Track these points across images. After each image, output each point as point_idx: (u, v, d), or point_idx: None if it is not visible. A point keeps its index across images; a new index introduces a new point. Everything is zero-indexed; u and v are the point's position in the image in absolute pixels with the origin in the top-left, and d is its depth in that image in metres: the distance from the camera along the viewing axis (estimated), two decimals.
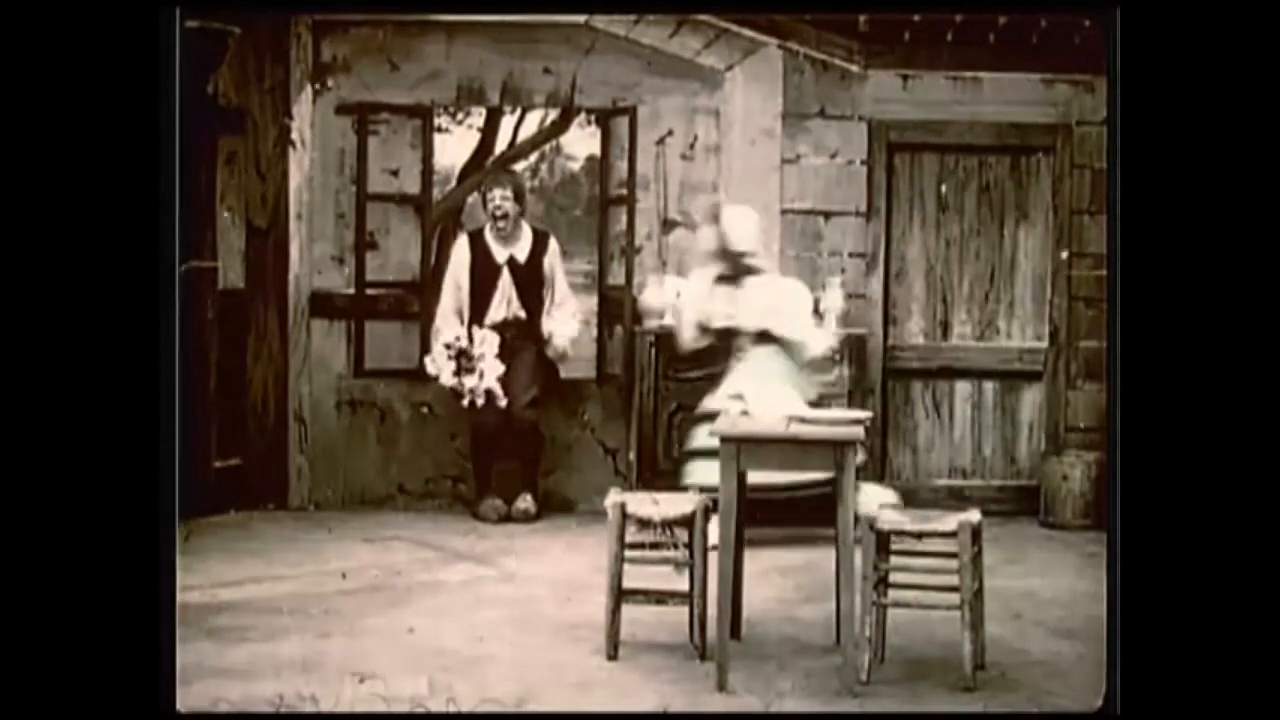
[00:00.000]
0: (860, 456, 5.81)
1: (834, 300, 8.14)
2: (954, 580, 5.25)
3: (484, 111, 13.16)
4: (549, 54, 8.54)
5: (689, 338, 7.48)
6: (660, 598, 5.63)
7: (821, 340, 7.51)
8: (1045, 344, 8.46)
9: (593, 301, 9.10)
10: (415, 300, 8.67)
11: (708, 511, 5.58)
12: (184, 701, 4.55)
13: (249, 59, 8.17)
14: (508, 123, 13.78)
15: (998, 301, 8.49)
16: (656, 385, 7.92)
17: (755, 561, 6.38)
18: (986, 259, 8.49)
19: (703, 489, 7.39)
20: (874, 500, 6.12)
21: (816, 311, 8.18)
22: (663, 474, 7.75)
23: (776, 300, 7.39)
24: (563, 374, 8.52)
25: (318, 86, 8.38)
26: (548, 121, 13.26)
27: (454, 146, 14.12)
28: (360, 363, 8.58)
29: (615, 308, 8.69)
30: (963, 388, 8.50)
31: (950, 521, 5.33)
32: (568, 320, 8.25)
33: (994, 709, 4.98)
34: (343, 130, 8.51)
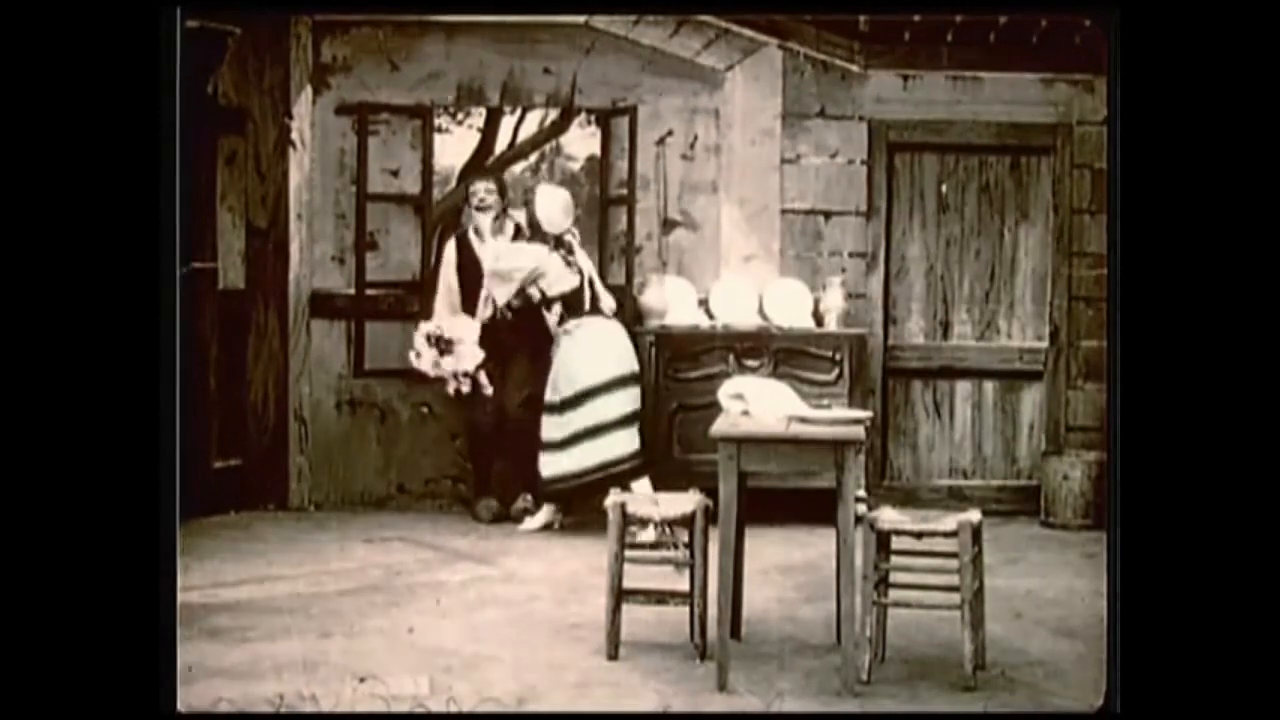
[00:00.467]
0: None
1: (834, 300, 8.14)
2: (954, 580, 5.25)
3: (484, 111, 13.14)
4: (549, 54, 8.54)
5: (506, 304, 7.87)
6: (660, 598, 5.63)
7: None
8: (1045, 344, 8.46)
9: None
10: (415, 300, 8.66)
11: (708, 511, 5.58)
12: (184, 701, 4.55)
13: (249, 59, 8.17)
14: (508, 123, 13.76)
15: (998, 301, 8.50)
16: (657, 384, 7.92)
17: (755, 561, 6.39)
18: (986, 259, 8.49)
19: (564, 479, 7.70)
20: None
21: (817, 311, 8.21)
22: (663, 473, 7.74)
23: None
24: None
25: (320, 88, 8.40)
26: (548, 121, 13.25)
27: (454, 146, 14.11)
28: (360, 363, 8.58)
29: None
30: (963, 388, 8.51)
31: (950, 521, 5.33)
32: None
33: (994, 709, 4.98)
34: (343, 130, 8.51)
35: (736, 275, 8.37)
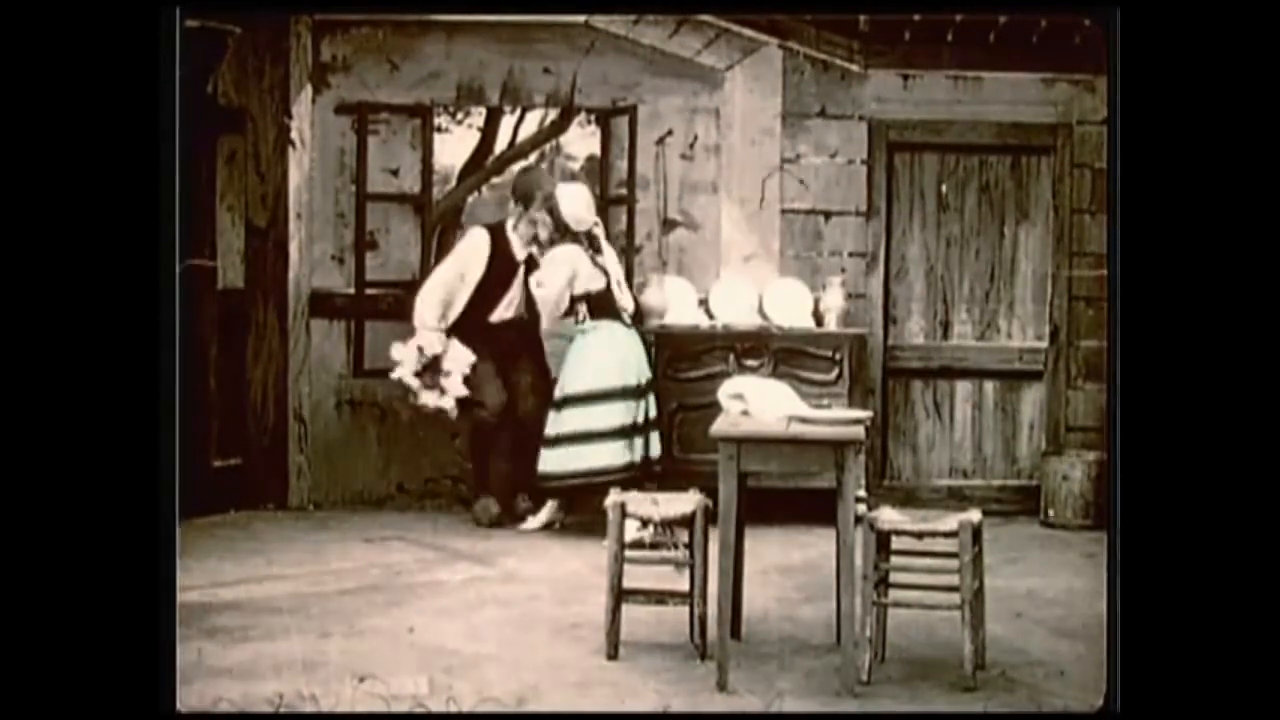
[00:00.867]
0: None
1: (834, 300, 8.14)
2: (954, 580, 5.25)
3: (484, 111, 13.15)
4: (549, 54, 8.54)
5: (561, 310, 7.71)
6: (660, 598, 5.63)
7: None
8: (1045, 344, 8.46)
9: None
10: (415, 299, 8.67)
11: (708, 511, 5.58)
12: (184, 701, 4.55)
13: (249, 59, 8.17)
14: (508, 123, 13.77)
15: (998, 301, 8.50)
16: (657, 384, 7.91)
17: (755, 561, 6.39)
18: (986, 259, 8.49)
19: (549, 477, 7.65)
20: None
21: (817, 311, 8.20)
22: (663, 473, 7.74)
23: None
24: None
25: (320, 87, 8.39)
26: (548, 121, 13.26)
27: (454, 146, 14.11)
28: (360, 362, 8.58)
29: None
30: (963, 388, 8.50)
31: (950, 521, 5.33)
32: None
33: (994, 709, 4.98)
34: (343, 130, 8.51)
35: (736, 275, 8.37)
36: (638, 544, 5.96)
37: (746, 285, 8.30)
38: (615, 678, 5.25)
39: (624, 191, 8.69)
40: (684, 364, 7.97)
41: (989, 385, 8.51)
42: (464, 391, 7.77)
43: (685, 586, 5.64)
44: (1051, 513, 8.13)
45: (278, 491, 8.38)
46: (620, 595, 5.51)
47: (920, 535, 5.38)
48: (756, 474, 5.54)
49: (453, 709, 4.79)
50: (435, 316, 7.87)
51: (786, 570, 6.90)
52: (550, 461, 7.58)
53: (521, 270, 7.99)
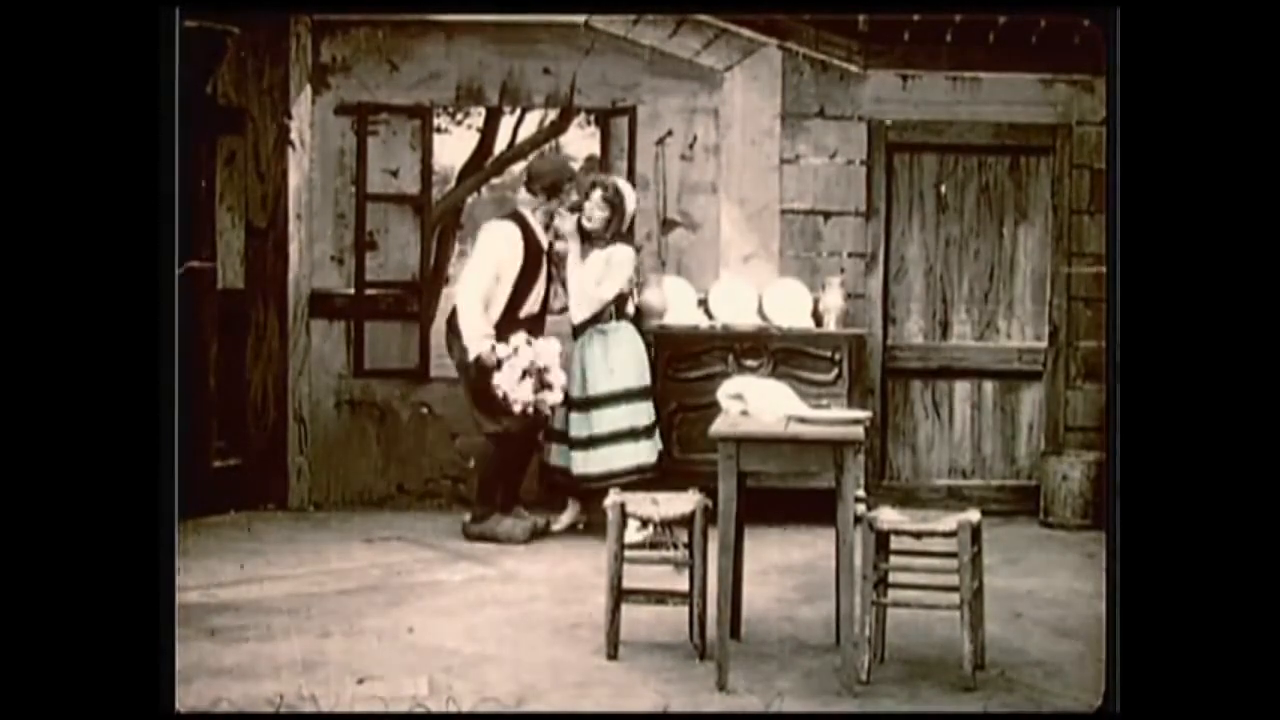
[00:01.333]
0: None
1: (833, 300, 8.14)
2: (954, 580, 5.25)
3: (483, 111, 13.16)
4: (549, 54, 8.54)
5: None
6: (660, 598, 5.63)
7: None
8: (1045, 344, 8.47)
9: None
10: (415, 300, 8.67)
11: (708, 511, 5.58)
12: (184, 701, 4.55)
13: (249, 59, 8.17)
14: (507, 123, 13.79)
15: (997, 301, 8.50)
16: (656, 384, 7.90)
17: (755, 561, 6.39)
18: (986, 259, 8.49)
19: (551, 468, 7.61)
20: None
21: (816, 311, 8.20)
22: (663, 473, 7.73)
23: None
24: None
25: (319, 88, 8.38)
26: (547, 121, 13.28)
27: (454, 147, 14.13)
28: (360, 363, 8.58)
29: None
30: (962, 388, 8.51)
31: (950, 521, 5.33)
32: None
33: (994, 709, 4.98)
34: (342, 130, 8.51)
35: (736, 275, 8.37)
36: (638, 544, 5.96)
37: (746, 285, 8.30)
38: (615, 678, 5.25)
39: None
40: (683, 364, 7.96)
41: (988, 385, 8.51)
42: (565, 378, 7.41)
43: (685, 586, 5.64)
44: (1051, 513, 8.13)
45: (278, 492, 8.38)
46: (620, 595, 5.51)
47: (919, 535, 5.38)
48: (756, 474, 5.54)
49: (453, 709, 4.79)
50: (484, 322, 7.46)
51: (786, 570, 6.90)
52: (589, 463, 7.50)
53: (545, 262, 7.72)
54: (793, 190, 8.41)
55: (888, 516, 5.44)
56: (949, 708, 5.00)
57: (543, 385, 7.39)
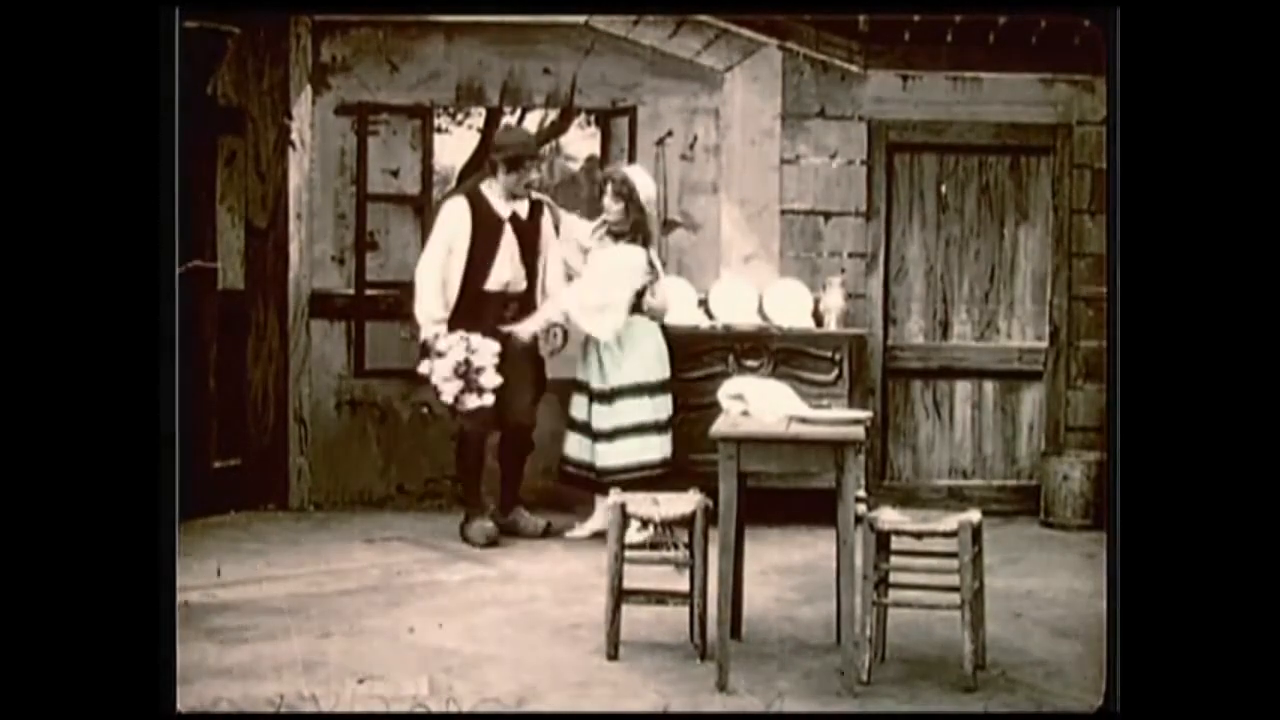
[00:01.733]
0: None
1: (834, 300, 8.14)
2: (954, 580, 5.25)
3: (484, 112, 13.15)
4: (549, 54, 8.54)
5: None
6: (660, 598, 5.63)
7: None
8: (1045, 344, 8.46)
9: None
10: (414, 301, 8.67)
11: (708, 511, 5.58)
12: (184, 701, 4.55)
13: (249, 59, 8.17)
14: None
15: (998, 301, 8.50)
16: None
17: (755, 561, 6.39)
18: (986, 259, 8.49)
19: (570, 461, 7.53)
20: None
21: (816, 312, 8.20)
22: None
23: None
24: (562, 374, 8.32)
25: (320, 88, 8.37)
26: (547, 122, 13.26)
27: (454, 147, 14.11)
28: (360, 363, 8.58)
29: None
30: (963, 388, 8.50)
31: (950, 521, 5.33)
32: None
33: (994, 709, 4.98)
34: (343, 130, 8.51)
35: (736, 275, 8.37)
36: (638, 545, 5.96)
37: (746, 286, 8.30)
38: (615, 678, 5.25)
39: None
40: (684, 364, 7.95)
41: (989, 385, 8.51)
42: (499, 380, 7.34)
43: (685, 586, 5.64)
44: (1051, 513, 8.13)
45: (278, 492, 8.38)
46: (620, 595, 5.51)
47: (920, 535, 5.38)
48: (756, 474, 5.54)
49: (453, 709, 4.79)
50: (439, 305, 7.48)
51: (786, 570, 6.90)
52: (610, 455, 7.43)
53: (509, 231, 7.61)
54: (793, 190, 8.41)
55: (888, 516, 5.44)
56: (949, 708, 5.00)
57: (470, 387, 7.35)
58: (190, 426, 6.20)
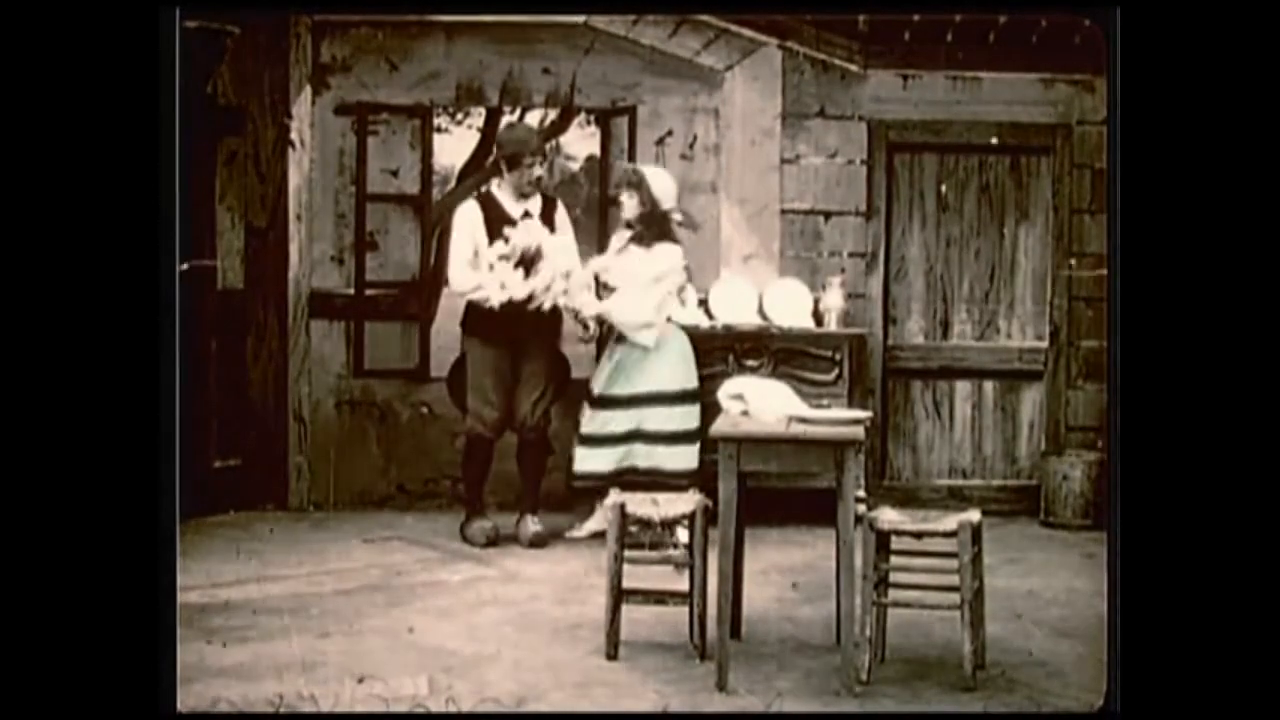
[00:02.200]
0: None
1: (834, 300, 8.14)
2: (954, 580, 5.25)
3: (484, 112, 13.17)
4: (548, 54, 8.54)
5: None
6: (660, 598, 5.63)
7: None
8: (1045, 344, 8.46)
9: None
10: (415, 300, 8.67)
11: (708, 511, 5.58)
12: (184, 701, 4.55)
13: (249, 59, 8.17)
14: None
15: (998, 301, 8.50)
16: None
17: (755, 561, 6.39)
18: (986, 259, 8.49)
19: (582, 476, 7.37)
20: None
21: (816, 311, 8.20)
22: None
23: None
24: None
25: (319, 88, 8.37)
26: (547, 122, 13.27)
27: (453, 146, 14.13)
28: (360, 363, 8.57)
29: None
30: (963, 388, 8.50)
31: (950, 521, 5.33)
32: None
33: (994, 709, 4.98)
34: (342, 130, 8.51)
35: (736, 275, 8.36)
36: (638, 544, 5.95)
37: (746, 285, 8.30)
38: (615, 678, 5.25)
39: None
40: None
41: (989, 385, 8.51)
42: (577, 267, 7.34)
43: (685, 586, 5.64)
44: (1051, 513, 8.13)
45: (277, 492, 8.38)
46: (620, 595, 5.51)
47: (920, 535, 5.38)
48: (756, 474, 5.53)
49: (452, 709, 4.79)
50: (475, 277, 7.41)
51: (786, 570, 6.90)
52: (632, 459, 7.32)
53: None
54: (793, 190, 8.41)
55: (888, 516, 5.44)
56: (949, 708, 5.00)
57: (529, 272, 7.30)
58: (190, 426, 6.19)
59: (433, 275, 8.91)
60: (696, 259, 8.57)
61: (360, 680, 5.04)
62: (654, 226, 7.43)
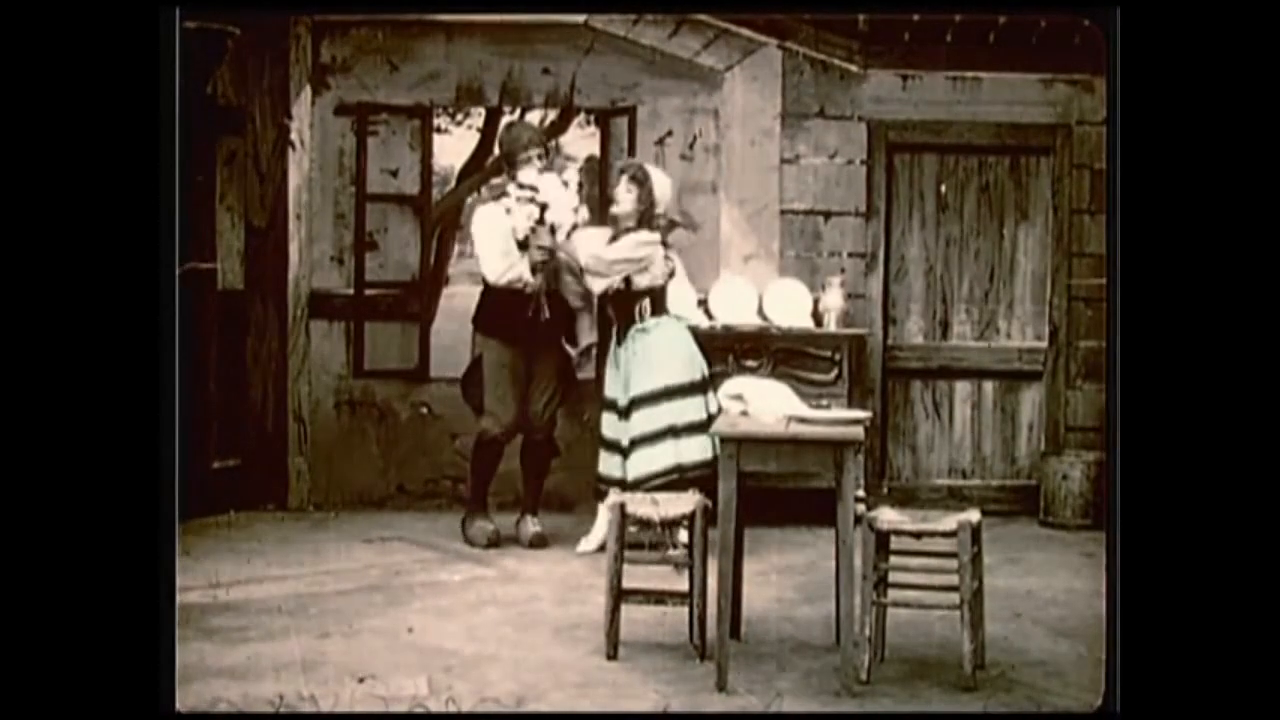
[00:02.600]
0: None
1: (833, 300, 8.14)
2: (954, 580, 5.25)
3: (484, 112, 13.16)
4: (548, 54, 8.54)
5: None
6: (660, 598, 5.63)
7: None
8: (1045, 344, 8.47)
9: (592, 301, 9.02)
10: (415, 300, 8.67)
11: (707, 511, 5.58)
12: (184, 701, 4.55)
13: (248, 59, 8.17)
14: (507, 123, 13.76)
15: (997, 301, 8.50)
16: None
17: (755, 561, 6.39)
18: (986, 259, 8.50)
19: (604, 480, 7.21)
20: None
21: (816, 311, 8.20)
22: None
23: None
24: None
25: (319, 88, 8.37)
26: (547, 122, 13.27)
27: (453, 146, 14.12)
28: (360, 363, 8.57)
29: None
30: (962, 388, 8.51)
31: (950, 521, 5.33)
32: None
33: (994, 709, 4.98)
34: (342, 131, 8.51)
35: (736, 275, 8.37)
36: (637, 544, 5.95)
37: (746, 285, 8.30)
38: (615, 678, 5.25)
39: None
40: None
41: (988, 385, 8.51)
42: (581, 216, 7.33)
43: (685, 587, 5.64)
44: (1051, 513, 8.13)
45: (277, 492, 8.38)
46: (620, 595, 5.51)
47: (919, 535, 5.38)
48: (756, 474, 5.53)
49: (452, 709, 4.79)
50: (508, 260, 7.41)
51: (786, 570, 6.90)
52: (639, 464, 7.14)
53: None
54: (793, 190, 8.41)
55: (888, 516, 5.44)
56: (949, 708, 5.00)
57: (541, 221, 7.28)
58: (190, 426, 6.19)
59: (433, 275, 8.90)
60: (696, 259, 8.58)
61: (360, 680, 5.04)
62: (640, 224, 7.33)
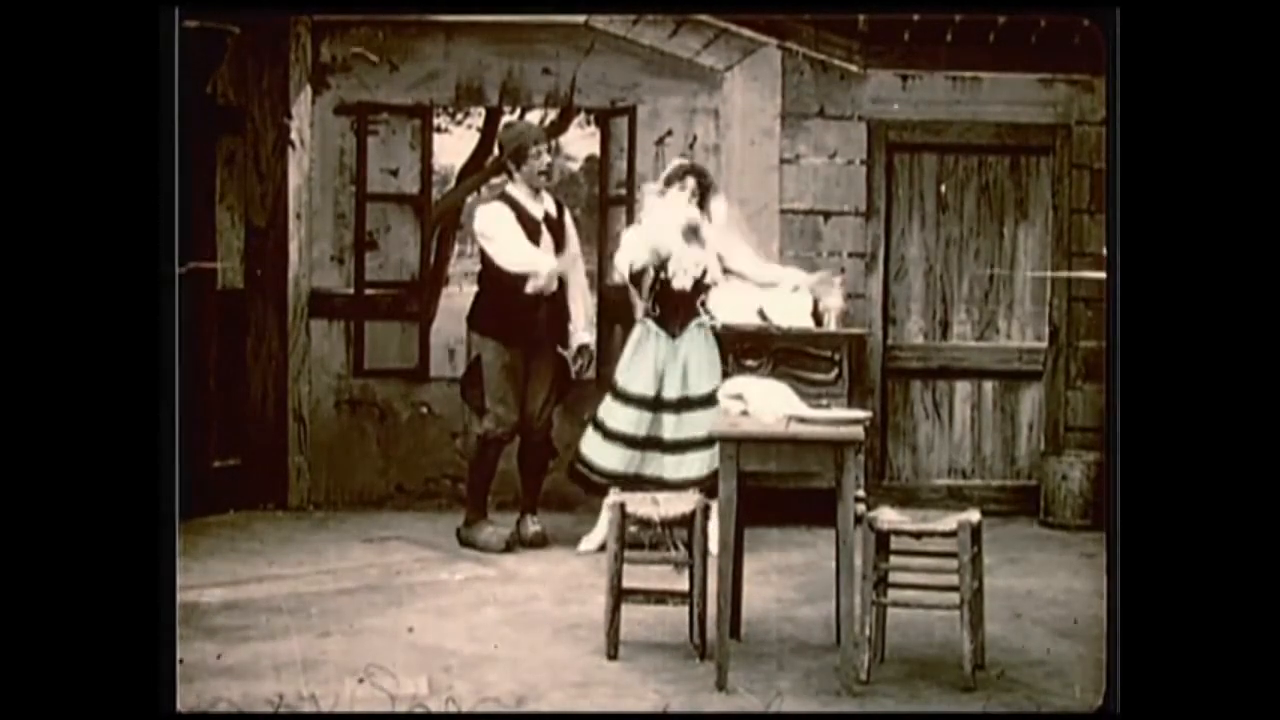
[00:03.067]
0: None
1: (833, 300, 8.14)
2: (954, 580, 5.25)
3: (483, 112, 13.16)
4: (548, 54, 8.54)
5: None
6: (660, 598, 5.63)
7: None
8: (1045, 344, 8.47)
9: (592, 301, 9.02)
10: (415, 300, 8.67)
11: (707, 511, 5.58)
12: (184, 701, 4.55)
13: (248, 59, 8.17)
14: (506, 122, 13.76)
15: (997, 301, 8.50)
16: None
17: (755, 561, 6.39)
18: (986, 259, 8.50)
19: (596, 470, 7.22)
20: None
21: (816, 311, 8.20)
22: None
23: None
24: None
25: (319, 88, 8.37)
26: (547, 121, 13.27)
27: (453, 146, 14.12)
28: (360, 362, 8.58)
29: (615, 308, 8.69)
30: (962, 388, 8.51)
31: (950, 521, 5.33)
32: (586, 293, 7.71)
33: (994, 709, 4.98)
34: (342, 130, 8.51)
35: None
36: (637, 544, 5.94)
37: (746, 286, 8.29)
38: (615, 678, 5.25)
39: (623, 192, 8.69)
40: None
41: (988, 385, 8.51)
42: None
43: (685, 586, 5.64)
44: (1051, 513, 8.13)
45: (277, 492, 8.38)
46: (620, 595, 5.51)
47: (919, 535, 5.38)
48: (756, 474, 5.52)
49: (452, 709, 4.79)
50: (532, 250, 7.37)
51: (786, 570, 6.90)
52: (680, 468, 7.19)
53: (545, 232, 7.41)
54: (793, 190, 8.41)
55: (888, 516, 5.44)
56: (949, 708, 5.00)
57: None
58: (190, 426, 6.19)
59: (433, 275, 8.89)
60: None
61: (360, 680, 5.04)
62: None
